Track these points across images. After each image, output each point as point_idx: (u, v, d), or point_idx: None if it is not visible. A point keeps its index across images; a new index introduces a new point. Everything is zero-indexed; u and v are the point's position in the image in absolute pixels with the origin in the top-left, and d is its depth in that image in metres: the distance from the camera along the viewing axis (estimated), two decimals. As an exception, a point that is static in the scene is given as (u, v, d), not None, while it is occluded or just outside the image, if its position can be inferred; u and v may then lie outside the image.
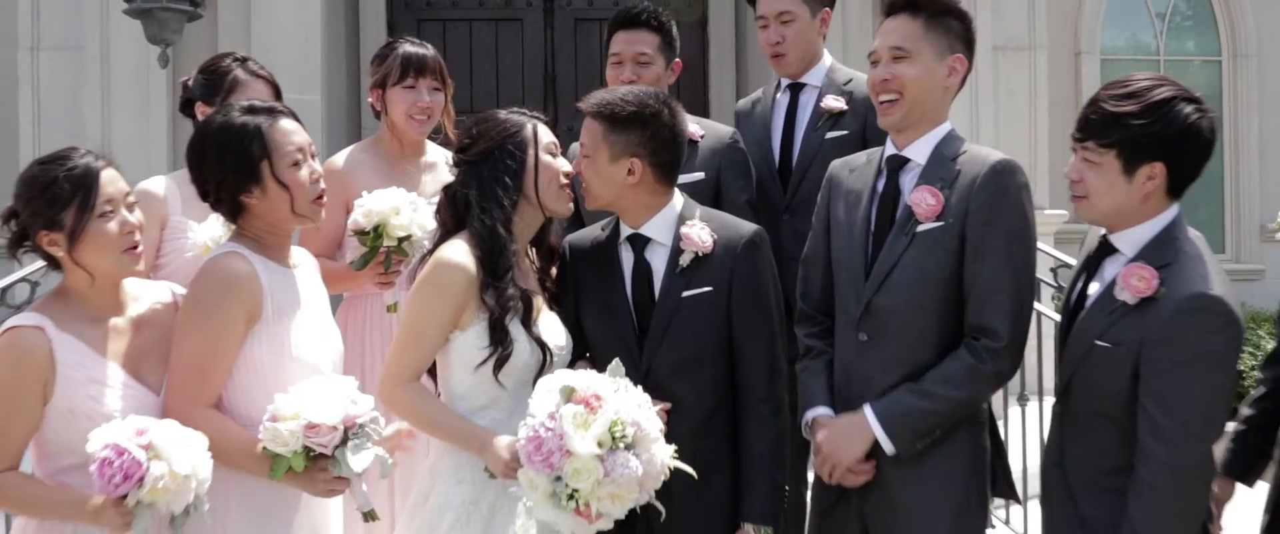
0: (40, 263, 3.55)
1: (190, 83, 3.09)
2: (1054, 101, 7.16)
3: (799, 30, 3.24)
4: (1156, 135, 2.11)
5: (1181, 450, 2.05)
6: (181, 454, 2.02)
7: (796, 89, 3.31)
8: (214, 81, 3.03)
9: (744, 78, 7.45)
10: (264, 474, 2.16)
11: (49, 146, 6.59)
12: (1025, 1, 7.11)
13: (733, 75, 7.64)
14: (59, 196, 2.15)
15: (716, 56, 7.64)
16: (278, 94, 3.08)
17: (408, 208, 2.82)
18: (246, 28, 6.27)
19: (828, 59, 3.34)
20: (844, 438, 2.38)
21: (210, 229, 2.70)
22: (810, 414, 2.48)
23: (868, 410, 2.35)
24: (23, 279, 3.76)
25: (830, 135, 3.17)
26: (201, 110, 3.03)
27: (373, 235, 2.81)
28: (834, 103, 3.21)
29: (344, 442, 2.15)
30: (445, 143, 3.30)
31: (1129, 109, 2.11)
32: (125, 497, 1.99)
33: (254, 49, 5.88)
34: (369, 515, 2.26)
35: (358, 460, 2.14)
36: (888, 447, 2.34)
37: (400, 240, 2.81)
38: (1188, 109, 2.12)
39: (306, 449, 2.13)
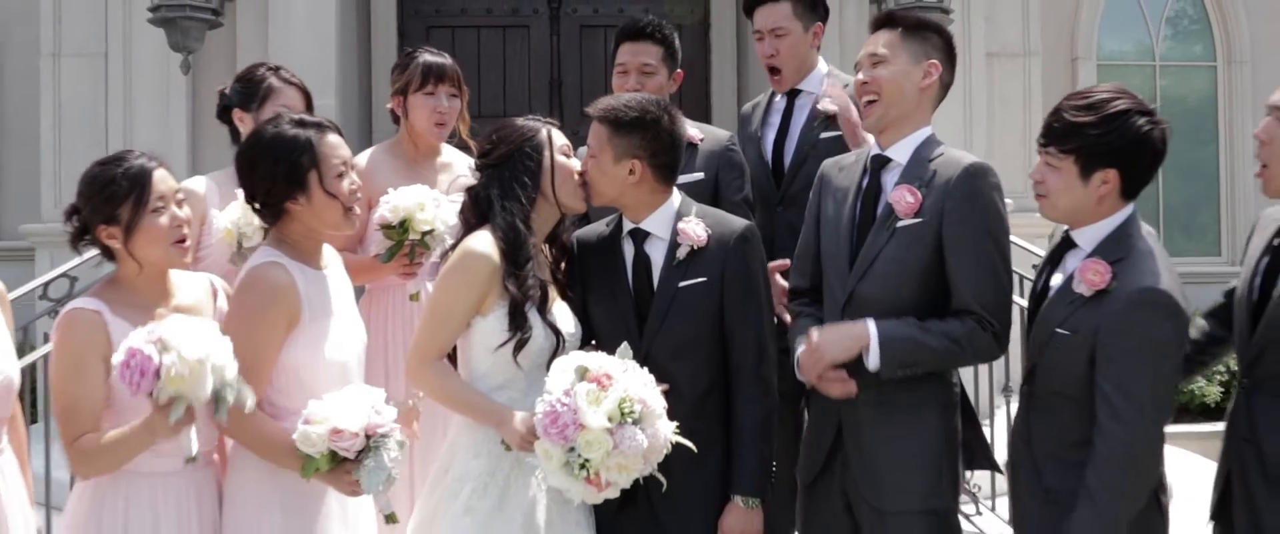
0: (78, 260, 3.76)
1: (227, 91, 3.27)
2: (1049, 107, 7.22)
3: (792, 44, 3.40)
4: (1111, 144, 2.30)
5: (1135, 429, 2.23)
6: (191, 342, 2.12)
7: (794, 94, 3.47)
8: (250, 89, 3.21)
9: (745, 82, 7.54)
10: (298, 470, 2.32)
11: (70, 152, 6.80)
12: (1019, 9, 7.18)
13: (734, 80, 7.73)
14: (117, 194, 2.35)
15: (718, 61, 7.72)
16: (308, 99, 3.27)
17: (431, 204, 2.98)
18: (264, 35, 6.38)
19: (823, 66, 3.51)
20: (839, 336, 2.50)
21: (231, 214, 2.87)
22: (801, 345, 2.58)
23: (870, 322, 2.49)
24: (63, 275, 3.96)
25: (824, 135, 3.33)
26: (238, 116, 3.22)
27: (399, 229, 2.97)
28: (829, 105, 3.36)
29: (366, 448, 2.30)
30: (460, 146, 3.47)
31: (1087, 120, 2.31)
32: (153, 395, 2.11)
33: (271, 56, 5.95)
34: (390, 518, 2.41)
35: (370, 480, 2.29)
36: (873, 360, 2.47)
37: (423, 234, 2.96)
38: (1141, 121, 2.31)
39: (332, 452, 2.29)
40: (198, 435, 2.25)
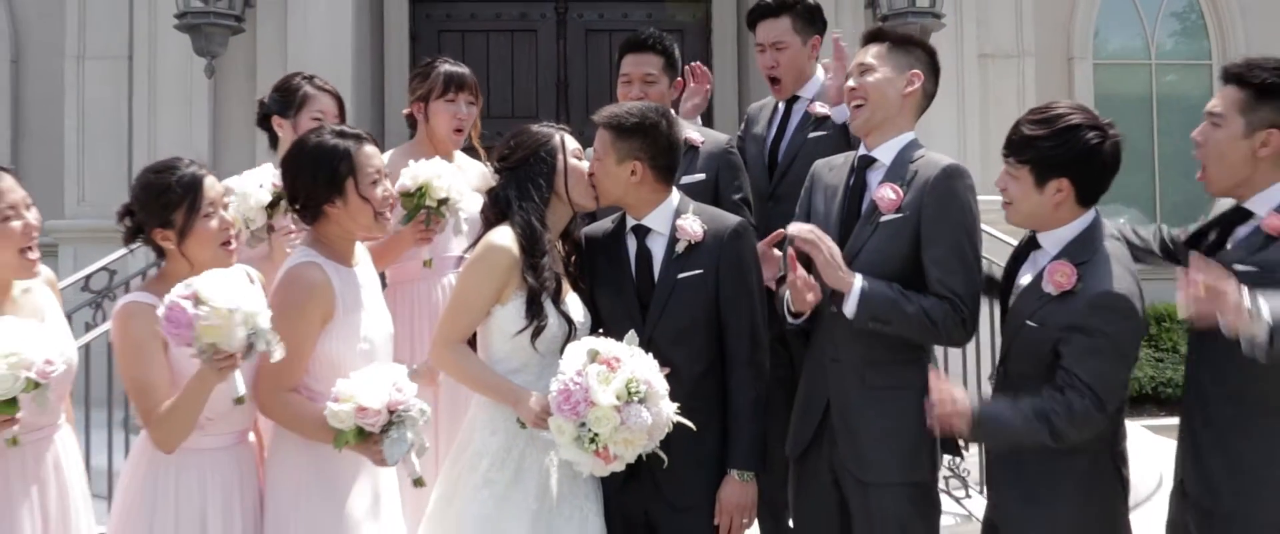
0: (118, 254, 3.99)
1: (266, 100, 3.50)
2: (1044, 107, 7.40)
3: (791, 56, 3.64)
4: (1061, 156, 2.52)
5: (1090, 406, 2.44)
6: (223, 294, 2.29)
7: (792, 100, 3.71)
8: (287, 97, 3.45)
9: (746, 85, 7.72)
10: (331, 442, 2.53)
11: (93, 152, 6.97)
12: (1012, 11, 7.34)
13: (735, 82, 7.92)
14: (172, 200, 2.57)
15: (719, 64, 7.89)
16: (341, 105, 3.50)
17: (448, 174, 3.17)
18: (283, 41, 6.59)
19: (820, 74, 3.73)
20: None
21: (231, 206, 3.00)
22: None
23: (858, 274, 2.67)
24: (103, 268, 4.20)
25: (811, 135, 3.57)
26: (278, 123, 3.45)
27: (417, 195, 3.15)
28: (820, 108, 3.60)
29: (390, 423, 2.49)
30: (467, 149, 3.68)
31: (1039, 133, 2.53)
32: (192, 345, 2.30)
33: (289, 60, 6.19)
34: (418, 482, 2.62)
35: (392, 451, 2.50)
36: (851, 306, 2.66)
37: (439, 201, 3.15)
38: (1090, 135, 2.52)
39: (359, 427, 2.50)
40: (243, 378, 2.44)
